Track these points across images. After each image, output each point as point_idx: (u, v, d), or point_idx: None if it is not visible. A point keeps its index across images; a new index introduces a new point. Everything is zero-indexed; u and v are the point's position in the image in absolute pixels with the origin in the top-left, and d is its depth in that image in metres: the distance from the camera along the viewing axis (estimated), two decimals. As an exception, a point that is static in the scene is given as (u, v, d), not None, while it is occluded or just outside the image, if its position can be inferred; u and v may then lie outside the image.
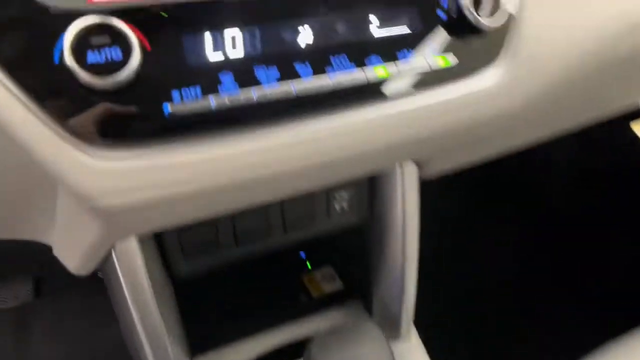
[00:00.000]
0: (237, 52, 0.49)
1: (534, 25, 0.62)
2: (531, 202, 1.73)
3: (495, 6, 0.57)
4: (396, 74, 0.55)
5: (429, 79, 0.57)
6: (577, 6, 0.66)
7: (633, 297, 1.41)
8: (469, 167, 0.86)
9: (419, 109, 0.58)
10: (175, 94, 0.47)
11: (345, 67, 0.53)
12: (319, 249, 1.07)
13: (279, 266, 1.05)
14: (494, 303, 1.58)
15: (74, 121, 0.44)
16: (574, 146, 1.59)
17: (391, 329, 0.90)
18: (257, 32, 0.50)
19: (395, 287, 0.86)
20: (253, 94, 0.49)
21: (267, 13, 0.50)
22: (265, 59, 0.50)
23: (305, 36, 0.52)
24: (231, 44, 0.49)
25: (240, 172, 0.52)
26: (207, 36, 0.48)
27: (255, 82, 0.50)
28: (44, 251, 0.61)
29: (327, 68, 0.52)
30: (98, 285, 0.72)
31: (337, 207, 0.83)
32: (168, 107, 0.46)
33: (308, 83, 0.51)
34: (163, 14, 0.47)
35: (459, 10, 0.57)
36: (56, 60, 0.43)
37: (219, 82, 0.48)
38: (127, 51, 0.43)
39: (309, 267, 1.09)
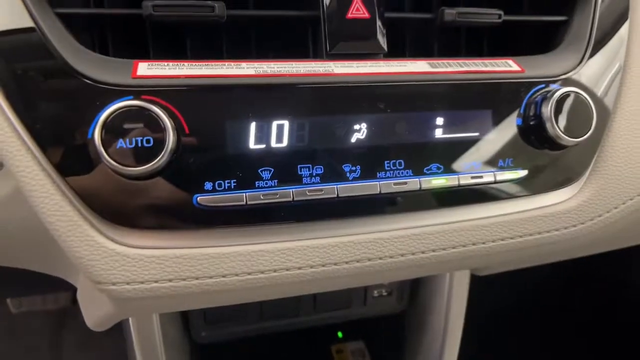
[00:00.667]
0: (282, 146, 0.45)
1: (621, 143, 0.54)
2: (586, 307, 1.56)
3: (583, 123, 0.50)
4: (456, 186, 0.49)
5: (494, 193, 0.51)
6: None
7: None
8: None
9: (478, 224, 0.51)
10: (208, 185, 0.43)
11: (399, 175, 0.47)
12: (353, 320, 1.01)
13: (309, 330, 1.00)
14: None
15: (96, 201, 0.42)
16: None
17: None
18: (307, 126, 0.45)
19: (430, 376, 0.78)
20: (291, 193, 0.45)
21: (321, 105, 0.46)
22: (312, 157, 0.46)
23: (359, 135, 0.47)
24: (277, 136, 0.45)
25: (268, 271, 0.47)
26: (253, 125, 0.44)
27: (297, 180, 0.45)
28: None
29: (379, 173, 0.47)
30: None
31: (375, 292, 0.77)
32: (198, 199, 0.43)
33: (354, 187, 0.46)
34: (208, 95, 0.43)
35: (539, 120, 0.50)
36: (89, 135, 0.41)
37: (257, 177, 0.44)
38: (161, 142, 0.40)
39: (340, 335, 1.03)
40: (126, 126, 0.40)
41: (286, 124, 0.45)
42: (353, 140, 0.47)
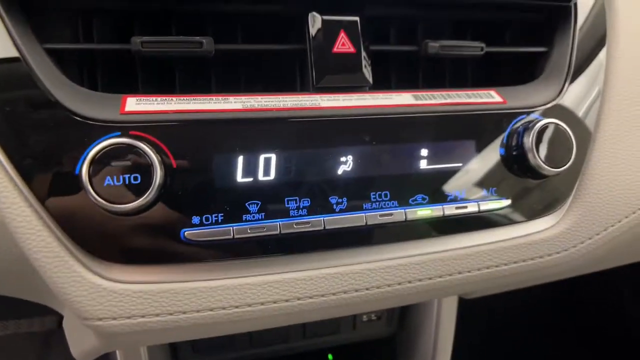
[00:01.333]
0: (269, 179, 0.45)
1: (602, 171, 0.55)
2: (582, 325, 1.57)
3: (564, 153, 0.51)
4: (441, 216, 0.49)
5: (479, 223, 0.52)
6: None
7: None
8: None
9: (463, 253, 0.52)
10: (195, 219, 0.43)
11: (385, 206, 0.48)
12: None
13: (299, 355, 0.99)
14: None
15: (83, 236, 0.42)
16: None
17: None
18: (294, 159, 0.46)
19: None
20: (278, 226, 0.45)
21: (308, 138, 0.47)
22: (298, 189, 0.46)
23: (345, 167, 0.47)
24: (264, 169, 0.45)
25: (256, 304, 0.47)
26: (240, 159, 0.45)
27: (284, 213, 0.46)
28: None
29: (365, 204, 0.48)
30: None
31: (364, 317, 0.77)
32: (185, 234, 0.43)
33: (341, 219, 0.47)
34: (196, 130, 0.44)
35: (521, 150, 0.51)
36: (77, 171, 0.41)
37: (244, 210, 0.45)
38: (148, 179, 0.40)
39: (330, 358, 1.03)
40: (114, 164, 0.40)
41: (273, 157, 0.45)
42: (339, 172, 0.47)
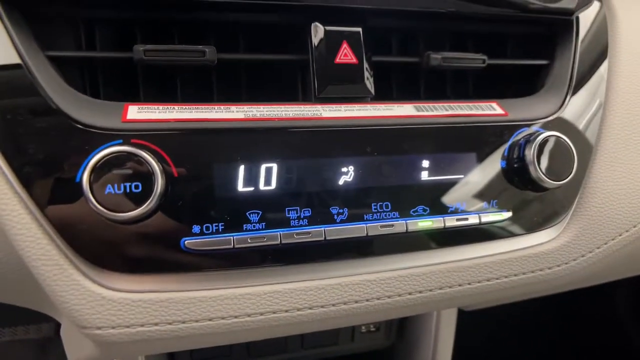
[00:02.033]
0: (270, 188, 0.45)
1: (602, 184, 0.55)
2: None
3: (565, 166, 0.51)
4: (442, 228, 0.49)
5: (479, 235, 0.51)
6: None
7: None
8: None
9: (464, 265, 0.52)
10: (195, 228, 0.43)
11: (386, 217, 0.48)
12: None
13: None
14: None
15: (83, 244, 0.41)
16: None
17: None
18: (295, 169, 0.46)
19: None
20: (279, 236, 0.45)
21: (309, 148, 0.47)
22: (299, 199, 0.46)
23: (347, 178, 0.47)
24: (265, 179, 0.45)
25: (255, 314, 0.47)
26: (241, 168, 0.45)
27: (284, 223, 0.45)
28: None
29: (366, 215, 0.48)
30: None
31: (363, 328, 0.77)
32: (185, 243, 0.43)
33: (341, 230, 0.47)
34: (198, 139, 0.44)
35: (522, 163, 0.51)
36: (77, 179, 0.41)
37: (245, 220, 0.44)
38: (149, 187, 0.40)
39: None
40: (115, 172, 0.40)
41: (274, 167, 0.45)
42: (340, 182, 0.47)
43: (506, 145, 0.52)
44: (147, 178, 0.40)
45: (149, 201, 0.40)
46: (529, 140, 0.51)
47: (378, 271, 0.49)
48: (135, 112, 0.44)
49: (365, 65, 0.50)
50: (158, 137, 0.43)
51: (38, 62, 0.43)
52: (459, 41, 0.61)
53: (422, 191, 0.49)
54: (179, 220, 0.43)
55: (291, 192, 0.46)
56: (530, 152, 0.51)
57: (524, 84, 0.61)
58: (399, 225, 0.48)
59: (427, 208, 0.49)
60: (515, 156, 0.52)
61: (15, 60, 0.42)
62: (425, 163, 0.49)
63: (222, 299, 0.45)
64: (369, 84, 0.50)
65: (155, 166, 0.40)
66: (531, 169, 0.50)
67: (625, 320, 1.34)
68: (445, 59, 0.53)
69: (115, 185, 0.40)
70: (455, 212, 0.50)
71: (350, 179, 0.47)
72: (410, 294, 0.51)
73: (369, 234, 0.47)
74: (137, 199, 0.40)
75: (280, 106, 0.48)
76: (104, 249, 0.42)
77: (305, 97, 0.52)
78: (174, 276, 0.44)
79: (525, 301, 0.84)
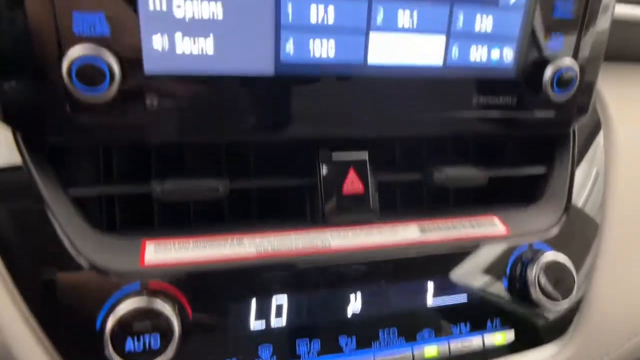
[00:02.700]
0: (281, 321, 0.47)
1: (603, 300, 0.57)
2: None
3: (565, 288, 0.53)
4: (446, 353, 0.51)
5: (483, 355, 0.53)
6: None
7: None
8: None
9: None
10: (210, 366, 0.45)
11: (392, 344, 0.50)
12: None
13: None
14: None
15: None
16: None
17: None
18: (305, 302, 0.48)
19: None
20: (290, 370, 0.46)
21: (319, 281, 0.48)
22: (310, 331, 0.48)
23: (355, 307, 0.49)
24: (276, 313, 0.47)
25: None
26: (253, 304, 0.46)
27: (294, 355, 0.47)
28: None
29: (374, 343, 0.49)
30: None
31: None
32: (200, 380, 0.44)
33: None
34: (213, 280, 0.46)
35: (524, 283, 0.53)
36: (97, 328, 0.42)
37: (256, 355, 0.46)
38: (167, 339, 0.42)
39: None
40: (133, 324, 0.41)
41: (285, 301, 0.47)
42: (348, 312, 0.49)
43: (508, 266, 0.54)
44: (165, 331, 0.42)
45: (165, 351, 0.42)
46: (530, 260, 0.53)
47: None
48: (153, 252, 0.46)
49: (371, 192, 0.52)
50: (175, 281, 0.44)
51: (59, 203, 0.46)
52: (460, 147, 0.63)
53: (427, 315, 0.51)
54: (195, 360, 0.44)
55: (301, 324, 0.48)
56: (531, 273, 0.52)
57: (524, 188, 0.63)
58: (406, 354, 0.49)
59: (432, 331, 0.51)
60: (517, 276, 0.53)
61: (39, 204, 0.44)
62: (430, 287, 0.51)
63: None
64: (375, 209, 0.53)
65: (174, 320, 0.42)
66: (532, 290, 0.52)
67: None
68: (449, 179, 0.55)
69: (134, 337, 0.41)
70: (460, 334, 0.52)
71: (358, 308, 0.49)
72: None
73: (376, 361, 0.49)
74: (154, 349, 0.42)
75: (290, 234, 0.50)
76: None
77: (313, 216, 0.54)
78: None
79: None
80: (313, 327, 0.48)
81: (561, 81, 0.53)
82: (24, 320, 0.43)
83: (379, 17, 0.47)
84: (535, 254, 0.53)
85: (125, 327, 0.41)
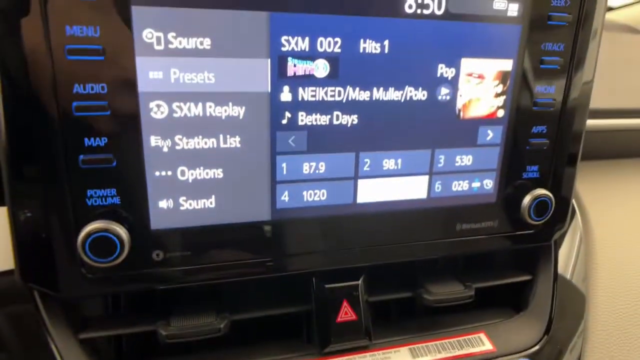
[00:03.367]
0: None
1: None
2: None
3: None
4: None
5: None
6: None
7: None
8: None
9: None
10: None
11: None
12: None
13: None
14: None
15: None
16: None
17: None
18: None
19: None
20: None
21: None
22: None
23: None
24: None
25: None
26: None
27: None
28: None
29: None
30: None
31: None
32: None
33: None
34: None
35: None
36: None
37: None
38: None
39: None
40: None
41: None
42: None
43: (496, 387, 0.57)
44: None
45: None
46: (517, 380, 0.56)
47: None
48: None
49: (364, 318, 0.55)
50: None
51: (69, 347, 0.48)
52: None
53: None
54: None
55: None
56: (518, 392, 0.55)
57: (510, 290, 0.66)
58: None
59: None
60: (505, 395, 0.56)
61: (49, 347, 0.47)
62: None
63: None
64: (368, 332, 0.55)
65: None
66: None
67: None
68: (438, 300, 0.59)
69: None
70: None
71: None
72: None
73: None
74: None
75: (286, 364, 0.53)
76: None
77: (309, 341, 0.57)
78: None
79: None
80: None
81: (538, 209, 0.57)
82: None
83: (366, 167, 0.51)
84: None
85: None
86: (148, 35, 0.41)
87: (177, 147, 0.45)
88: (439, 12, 0.48)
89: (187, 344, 0.55)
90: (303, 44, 0.45)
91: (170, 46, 0.42)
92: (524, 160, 0.57)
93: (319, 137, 0.49)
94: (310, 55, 0.46)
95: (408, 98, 0.50)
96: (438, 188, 0.55)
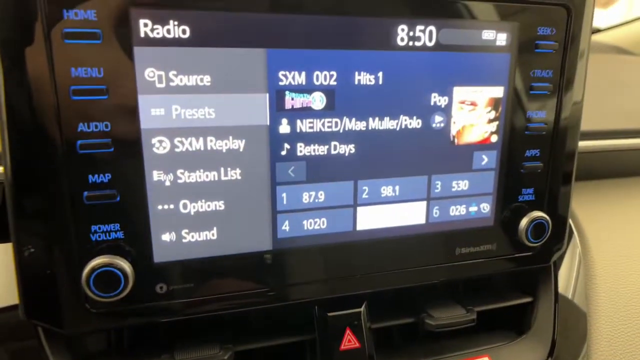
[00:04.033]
0: None
1: None
2: None
3: None
4: None
5: None
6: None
7: None
8: None
9: None
10: None
11: None
12: None
13: None
14: None
15: None
16: None
17: None
18: None
19: None
20: None
21: None
22: None
23: None
24: None
25: None
26: None
27: None
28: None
29: None
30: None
31: None
32: None
33: None
34: None
35: None
36: None
37: None
38: None
39: None
40: None
41: None
42: None
43: (501, 411, 0.56)
44: None
45: None
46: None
47: None
48: None
49: (367, 344, 0.55)
50: None
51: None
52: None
53: None
54: None
55: None
56: (524, 417, 0.55)
57: (512, 312, 0.66)
58: None
59: None
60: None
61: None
62: None
63: None
64: (372, 357, 0.56)
65: None
66: None
67: None
68: (440, 325, 0.59)
69: None
70: None
71: None
72: None
73: None
74: None
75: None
76: None
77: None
78: None
79: None
80: None
81: (535, 231, 0.58)
82: None
83: (365, 194, 0.52)
84: None
85: None
86: (150, 74, 0.43)
87: (179, 181, 0.46)
88: (430, 44, 0.50)
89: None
90: (300, 78, 0.47)
91: (172, 84, 0.43)
92: (519, 183, 0.58)
93: (317, 167, 0.50)
94: (307, 89, 0.47)
95: (403, 127, 0.51)
96: (436, 213, 0.56)
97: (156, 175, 0.45)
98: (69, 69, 0.40)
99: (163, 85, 0.43)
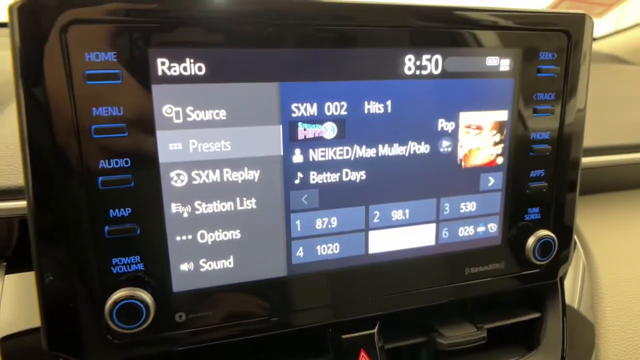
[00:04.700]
0: None
1: None
2: None
3: None
4: None
5: None
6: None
7: None
8: None
9: None
10: None
11: None
12: None
13: None
14: None
15: None
16: None
17: None
18: None
19: None
20: None
21: None
22: None
23: None
24: None
25: None
26: None
27: None
28: None
29: None
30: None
31: None
32: None
33: None
34: None
35: None
36: None
37: None
38: None
39: None
40: None
41: None
42: None
43: None
44: None
45: None
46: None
47: None
48: None
49: (381, 365, 0.56)
50: None
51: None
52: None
53: None
54: None
55: None
56: None
57: (520, 331, 0.67)
58: None
59: None
60: None
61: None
62: None
63: None
64: (386, 382, 0.57)
65: None
66: None
67: None
68: (451, 344, 0.60)
69: None
70: None
71: None
72: None
73: None
74: None
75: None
76: None
77: (328, 391, 0.58)
78: None
79: None
80: None
81: (542, 250, 0.59)
82: None
83: (376, 218, 0.53)
84: None
85: None
86: (167, 110, 0.44)
87: (197, 212, 0.47)
88: (436, 72, 0.51)
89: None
90: (312, 109, 0.48)
91: (189, 119, 0.45)
92: (525, 203, 0.59)
93: (330, 193, 0.51)
94: (319, 119, 0.49)
95: (412, 152, 0.53)
96: (445, 234, 0.57)
97: (174, 208, 0.46)
98: (90, 109, 0.41)
99: (180, 120, 0.44)
